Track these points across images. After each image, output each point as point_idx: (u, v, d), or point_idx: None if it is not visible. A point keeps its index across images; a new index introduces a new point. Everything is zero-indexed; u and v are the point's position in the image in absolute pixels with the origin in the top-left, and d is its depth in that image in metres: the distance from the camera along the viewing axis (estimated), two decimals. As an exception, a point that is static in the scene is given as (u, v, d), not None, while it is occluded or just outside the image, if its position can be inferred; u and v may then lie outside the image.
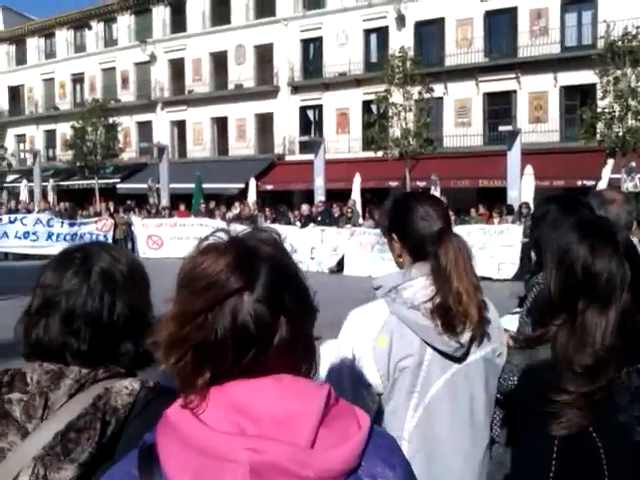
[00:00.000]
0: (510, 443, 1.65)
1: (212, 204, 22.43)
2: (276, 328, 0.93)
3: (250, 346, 0.92)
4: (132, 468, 0.93)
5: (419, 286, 1.79)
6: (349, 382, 1.77)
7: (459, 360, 1.81)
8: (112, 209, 23.02)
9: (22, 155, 40.96)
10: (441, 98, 27.69)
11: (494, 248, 14.25)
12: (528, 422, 1.50)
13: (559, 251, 1.54)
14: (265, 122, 33.59)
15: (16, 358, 1.31)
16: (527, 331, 2.13)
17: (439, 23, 28.51)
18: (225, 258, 0.94)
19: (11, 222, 19.68)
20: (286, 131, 32.51)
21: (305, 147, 28.26)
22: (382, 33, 30.11)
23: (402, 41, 26.89)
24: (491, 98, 27.99)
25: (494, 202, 18.05)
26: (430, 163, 23.92)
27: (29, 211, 22.19)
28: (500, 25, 27.49)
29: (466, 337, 1.77)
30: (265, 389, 0.93)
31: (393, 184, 25.85)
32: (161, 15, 36.68)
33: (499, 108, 27.85)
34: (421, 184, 22.79)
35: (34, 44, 42.50)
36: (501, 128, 20.98)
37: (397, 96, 23.65)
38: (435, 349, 1.77)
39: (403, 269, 1.90)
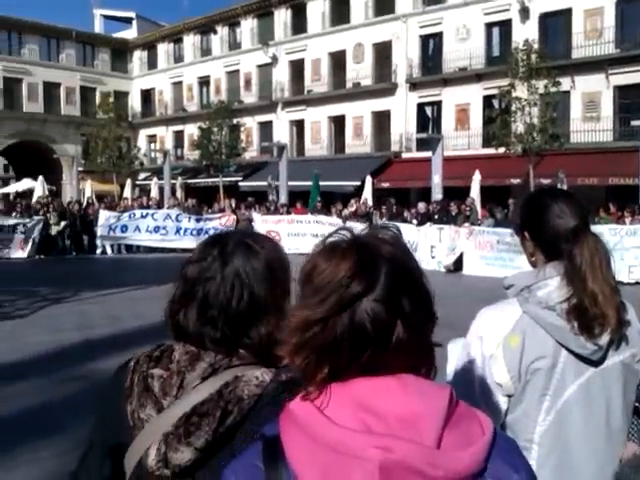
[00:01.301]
0: None
1: (346, 205, 21.79)
2: (393, 329, 0.92)
3: (367, 345, 0.91)
4: (257, 461, 0.94)
5: (554, 286, 1.72)
6: (478, 382, 1.74)
7: (595, 364, 1.73)
8: (234, 206, 23.92)
9: (153, 155, 43.41)
10: (568, 92, 26.40)
11: (625, 250, 13.46)
12: None
13: None
14: (382, 120, 33.57)
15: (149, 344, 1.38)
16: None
17: (566, 14, 27.24)
18: (346, 262, 0.93)
19: (143, 217, 20.97)
20: (403, 128, 32.32)
21: (422, 144, 27.94)
22: (505, 26, 29.23)
23: (526, 34, 25.94)
24: (622, 91, 26.30)
25: (625, 201, 17.04)
26: (556, 160, 22.89)
27: (159, 207, 23.48)
28: (633, 13, 25.76)
29: (604, 340, 1.69)
30: (389, 388, 0.92)
31: (515, 182, 25.02)
32: (282, 17, 37.60)
33: (631, 102, 26.10)
34: (545, 181, 21.87)
35: (164, 49, 44.90)
36: (634, 123, 19.70)
37: (521, 90, 22.85)
38: (570, 351, 1.71)
39: (536, 268, 1.85)
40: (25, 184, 34.27)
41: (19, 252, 19.32)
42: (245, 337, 1.26)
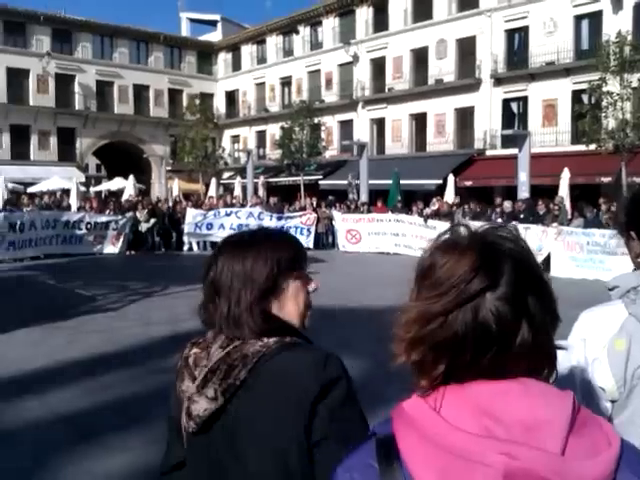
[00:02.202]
0: None
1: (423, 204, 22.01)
2: (518, 329, 0.90)
3: (490, 345, 0.89)
4: (371, 460, 0.93)
5: (663, 288, 1.65)
6: (580, 386, 1.68)
7: None
8: (315, 204, 24.10)
9: (236, 154, 44.34)
10: (664, 85, 25.05)
11: None
12: None
13: None
14: (465, 116, 32.93)
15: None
16: None
17: (664, 2, 25.86)
18: (468, 257, 0.92)
19: (227, 215, 21.51)
20: (487, 125, 31.59)
21: (508, 141, 27.22)
22: (595, 18, 28.02)
23: (618, 25, 24.74)
24: None
25: None
26: (650, 157, 21.78)
27: (242, 205, 23.98)
28: None
29: None
30: (511, 392, 0.90)
31: (606, 180, 23.99)
32: (364, 16, 37.53)
33: None
34: (639, 180, 20.86)
35: (247, 51, 45.71)
36: None
37: (612, 84, 21.85)
38: (681, 357, 1.62)
39: (643, 269, 1.76)
40: (116, 183, 35.82)
41: (111, 247, 20.21)
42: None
